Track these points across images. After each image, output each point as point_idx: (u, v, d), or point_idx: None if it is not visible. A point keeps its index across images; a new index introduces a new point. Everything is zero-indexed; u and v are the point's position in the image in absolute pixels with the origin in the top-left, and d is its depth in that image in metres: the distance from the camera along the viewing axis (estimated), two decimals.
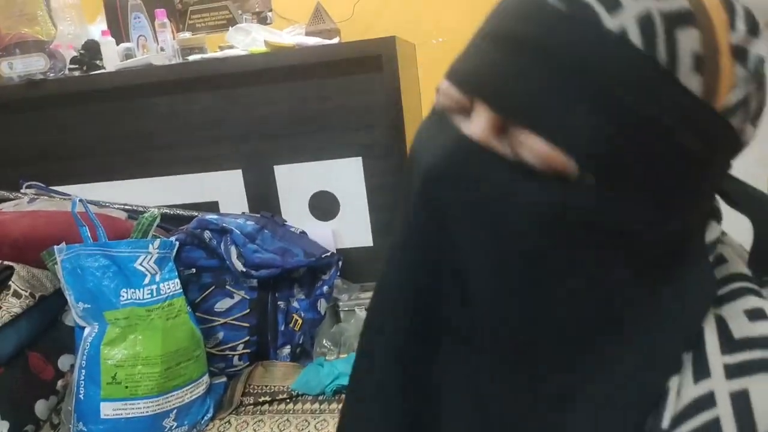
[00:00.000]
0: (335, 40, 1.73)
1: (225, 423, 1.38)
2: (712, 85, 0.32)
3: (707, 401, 0.32)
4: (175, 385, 1.30)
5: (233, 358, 1.51)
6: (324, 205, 1.72)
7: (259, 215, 1.64)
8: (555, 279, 0.34)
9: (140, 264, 1.32)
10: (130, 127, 1.74)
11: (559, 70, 0.31)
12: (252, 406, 1.42)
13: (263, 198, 1.74)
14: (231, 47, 1.71)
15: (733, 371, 0.32)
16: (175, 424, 1.31)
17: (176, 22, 2.01)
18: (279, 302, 1.52)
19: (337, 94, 1.64)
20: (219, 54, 1.69)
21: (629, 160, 0.31)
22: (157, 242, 1.35)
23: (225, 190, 1.75)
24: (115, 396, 1.25)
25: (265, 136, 1.70)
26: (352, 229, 1.72)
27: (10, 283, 1.31)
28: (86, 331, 1.28)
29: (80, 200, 1.35)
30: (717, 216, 0.38)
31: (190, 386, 1.33)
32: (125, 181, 1.78)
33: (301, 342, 1.54)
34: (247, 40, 1.68)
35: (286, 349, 1.53)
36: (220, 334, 1.49)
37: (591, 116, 0.30)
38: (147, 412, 1.26)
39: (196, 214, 1.65)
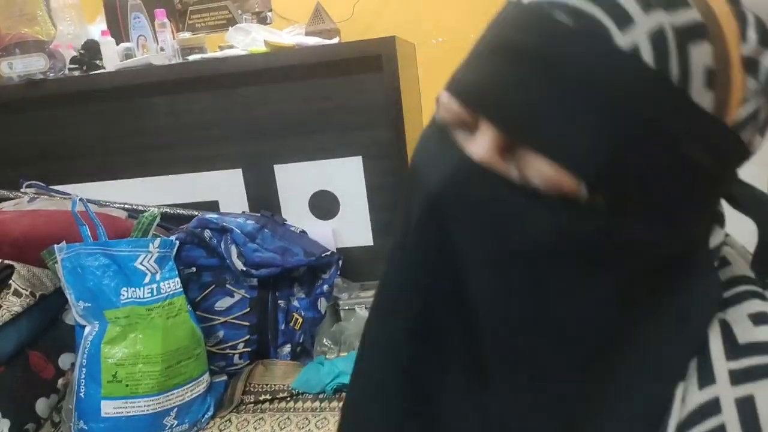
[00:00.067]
0: (335, 40, 1.73)
1: (226, 421, 1.38)
2: (723, 100, 0.31)
3: (712, 408, 0.31)
4: (175, 384, 1.30)
5: (234, 356, 1.51)
6: (324, 205, 1.73)
7: (259, 214, 1.65)
8: (560, 295, 0.33)
9: (140, 263, 1.32)
10: (130, 126, 1.74)
11: (569, 91, 0.30)
12: (252, 405, 1.42)
13: (263, 197, 1.74)
14: (231, 47, 1.72)
15: (738, 377, 0.31)
16: (176, 422, 1.31)
17: (176, 22, 2.01)
18: (279, 301, 1.52)
19: (337, 93, 1.65)
20: (219, 54, 1.69)
21: (640, 182, 0.31)
22: (157, 241, 1.35)
23: (225, 189, 1.75)
24: (116, 394, 1.25)
25: (265, 135, 1.70)
26: (352, 228, 1.72)
27: (11, 282, 1.31)
28: (87, 329, 1.28)
29: (80, 199, 1.35)
30: (720, 220, 0.38)
31: (191, 385, 1.34)
32: (125, 181, 1.78)
33: (301, 341, 1.55)
34: (246, 40, 1.68)
35: (287, 348, 1.53)
36: (221, 333, 1.50)
37: (602, 139, 0.29)
38: (148, 410, 1.26)
39: (197, 213, 1.65)
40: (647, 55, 0.29)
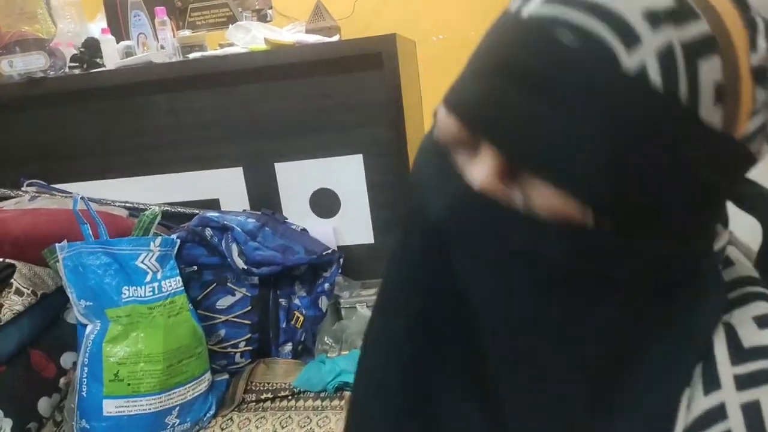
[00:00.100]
0: (335, 38, 1.72)
1: (227, 420, 1.38)
2: (733, 114, 0.30)
3: (718, 413, 0.31)
4: (177, 383, 1.30)
5: (235, 355, 1.51)
6: (325, 203, 1.72)
7: (260, 213, 1.64)
8: (562, 310, 0.33)
9: (142, 262, 1.32)
10: (131, 125, 1.74)
11: (573, 117, 0.28)
12: (254, 403, 1.42)
13: (264, 195, 1.74)
14: (231, 45, 1.71)
15: (743, 382, 0.31)
16: (178, 421, 1.31)
17: (176, 20, 2.01)
18: (280, 299, 1.52)
19: (337, 91, 1.65)
20: (219, 52, 1.69)
21: (650, 206, 0.30)
22: (158, 240, 1.35)
23: (226, 187, 1.75)
24: (118, 393, 1.25)
25: (265, 133, 1.70)
26: (353, 226, 1.72)
27: (12, 280, 1.31)
28: (88, 328, 1.28)
29: (81, 198, 1.35)
30: (725, 221, 0.38)
31: (193, 383, 1.34)
32: (126, 179, 1.78)
33: (302, 339, 1.55)
34: (247, 38, 1.68)
35: (288, 347, 1.53)
36: (222, 332, 1.50)
37: (609, 164, 0.28)
38: (149, 409, 1.26)
39: (197, 211, 1.65)
40: (655, 76, 0.28)
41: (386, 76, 1.59)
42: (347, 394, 1.40)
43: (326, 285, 1.57)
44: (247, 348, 1.51)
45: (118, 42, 1.76)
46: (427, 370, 0.38)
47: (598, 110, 0.28)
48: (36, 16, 1.69)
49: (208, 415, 1.38)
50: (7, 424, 1.21)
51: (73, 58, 1.75)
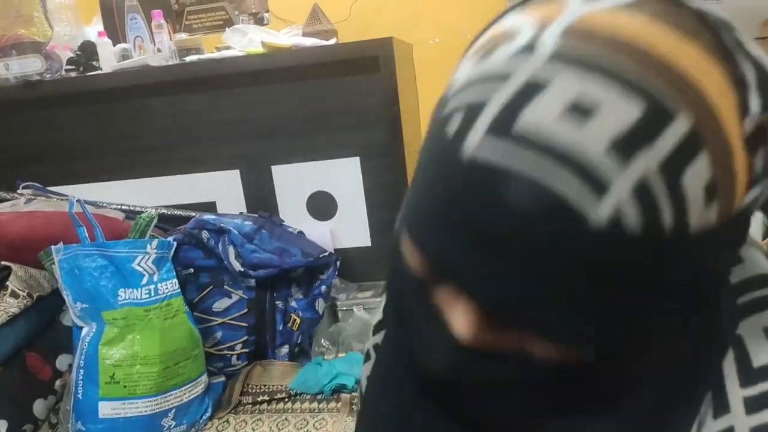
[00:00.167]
0: (332, 41, 1.73)
1: (223, 422, 1.38)
2: (728, 200, 0.27)
3: None
4: (173, 385, 1.30)
5: (231, 357, 1.51)
6: (322, 205, 1.73)
7: (256, 215, 1.65)
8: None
9: (138, 264, 1.32)
10: (127, 127, 1.74)
11: (548, 279, 0.25)
12: (250, 406, 1.42)
13: (261, 198, 1.74)
14: (228, 48, 1.72)
15: (752, 405, 0.30)
16: (174, 423, 1.31)
17: (173, 23, 2.01)
18: (277, 302, 1.52)
19: (334, 94, 1.65)
20: (216, 55, 1.69)
21: (652, 331, 0.28)
22: (154, 242, 1.35)
23: (223, 190, 1.75)
24: (114, 395, 1.25)
25: (262, 136, 1.70)
26: (350, 228, 1.72)
27: (8, 283, 1.30)
28: (84, 330, 1.28)
29: (78, 200, 1.35)
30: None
31: (189, 386, 1.33)
32: (122, 182, 1.78)
33: (299, 341, 1.55)
34: (243, 41, 1.68)
35: (285, 349, 1.53)
36: (219, 334, 1.50)
37: (599, 311, 0.26)
38: (145, 411, 1.26)
39: (194, 214, 1.65)
40: (632, 220, 0.24)
41: (383, 80, 1.60)
42: (344, 396, 1.40)
43: (323, 287, 1.57)
44: (243, 350, 1.51)
45: (114, 45, 1.76)
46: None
47: (567, 270, 0.25)
48: (32, 19, 1.69)
49: (204, 417, 1.37)
50: (3, 426, 1.21)
51: (70, 61, 1.75)
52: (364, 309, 1.60)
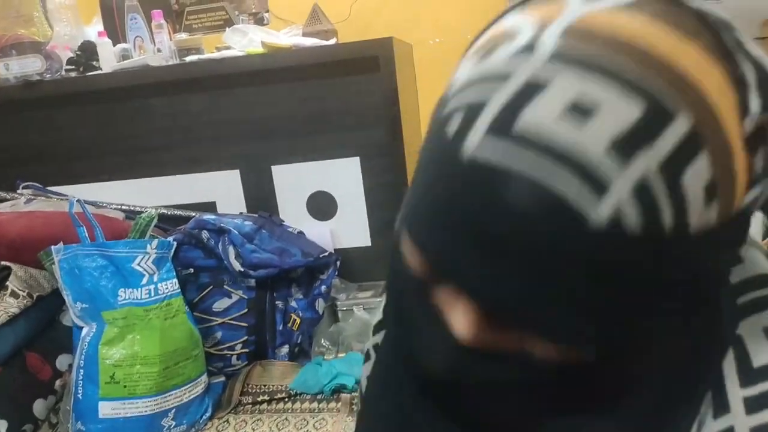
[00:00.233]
0: (332, 41, 1.73)
1: (223, 422, 1.38)
2: (729, 199, 0.27)
3: None
4: (173, 385, 1.30)
5: (231, 357, 1.51)
6: (322, 205, 1.73)
7: (256, 215, 1.65)
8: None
9: (138, 264, 1.32)
10: (127, 127, 1.74)
11: (549, 280, 0.25)
12: (250, 406, 1.42)
13: (261, 198, 1.74)
14: (228, 48, 1.72)
15: (752, 405, 0.30)
16: (174, 423, 1.31)
17: (173, 23, 2.01)
18: (277, 302, 1.52)
19: (334, 94, 1.65)
20: (216, 55, 1.69)
21: (654, 330, 0.28)
22: (154, 242, 1.35)
23: (223, 190, 1.75)
24: (114, 395, 1.25)
25: (262, 136, 1.70)
26: (350, 229, 1.72)
27: (8, 283, 1.31)
28: (84, 330, 1.28)
29: (78, 200, 1.35)
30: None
31: (189, 386, 1.33)
32: (122, 182, 1.78)
33: (299, 341, 1.55)
34: (243, 41, 1.68)
35: (285, 349, 1.53)
36: (219, 334, 1.50)
37: (603, 315, 0.26)
38: (145, 411, 1.26)
39: (194, 214, 1.65)
40: (632, 220, 0.24)
41: (383, 80, 1.60)
42: (344, 396, 1.40)
43: (323, 287, 1.57)
44: (243, 350, 1.51)
45: (114, 45, 1.76)
46: None
47: (567, 270, 0.25)
48: (32, 19, 1.69)
49: (204, 417, 1.37)
50: (3, 425, 1.21)
51: (70, 61, 1.75)
52: (364, 309, 1.60)
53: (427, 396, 0.35)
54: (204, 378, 1.39)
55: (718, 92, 0.26)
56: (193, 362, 1.35)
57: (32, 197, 1.64)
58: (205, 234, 1.47)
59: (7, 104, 1.74)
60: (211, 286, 1.49)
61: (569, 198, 0.24)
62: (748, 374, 0.31)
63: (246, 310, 1.50)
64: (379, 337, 0.48)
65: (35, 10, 1.70)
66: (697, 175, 0.25)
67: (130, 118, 1.74)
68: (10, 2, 1.67)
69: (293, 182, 1.72)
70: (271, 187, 1.74)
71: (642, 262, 0.25)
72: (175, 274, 1.37)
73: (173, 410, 1.30)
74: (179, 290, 1.36)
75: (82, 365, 1.26)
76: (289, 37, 1.73)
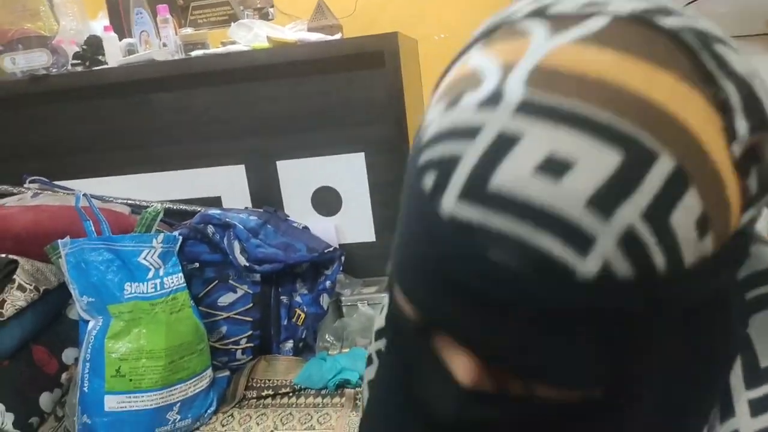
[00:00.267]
0: (337, 36, 1.73)
1: (228, 416, 1.39)
2: (723, 229, 0.26)
3: None
4: (178, 379, 1.31)
5: (236, 352, 1.52)
6: (327, 201, 1.73)
7: (261, 210, 1.65)
8: None
9: (144, 258, 1.33)
10: (133, 122, 1.75)
11: (533, 330, 0.25)
12: (255, 400, 1.43)
13: (266, 193, 1.75)
14: (233, 43, 1.72)
15: (757, 407, 0.29)
16: (179, 417, 1.32)
17: (178, 18, 2.01)
18: (282, 297, 1.53)
19: (339, 89, 1.65)
20: (221, 50, 1.69)
21: (658, 364, 0.28)
22: (160, 237, 1.36)
23: (228, 185, 1.76)
24: (120, 389, 1.26)
25: (267, 131, 1.70)
26: (355, 224, 1.72)
27: (15, 276, 1.31)
28: (90, 324, 1.29)
29: (84, 195, 1.36)
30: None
31: (194, 380, 1.34)
32: (128, 176, 1.78)
33: (303, 336, 1.55)
34: (249, 36, 1.68)
35: (289, 344, 1.54)
36: (224, 329, 1.50)
37: (598, 356, 0.26)
38: (151, 404, 1.27)
39: (199, 209, 1.65)
40: (621, 268, 0.23)
41: (388, 75, 1.60)
42: (348, 391, 1.40)
43: (328, 283, 1.57)
44: (248, 345, 1.52)
45: (120, 40, 1.76)
46: None
47: (560, 320, 0.24)
48: (39, 14, 1.70)
49: (209, 411, 1.38)
50: (9, 418, 1.22)
51: (76, 56, 1.76)
52: (368, 304, 1.61)
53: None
54: (209, 372, 1.39)
55: (700, 122, 0.24)
56: (199, 356, 1.36)
57: (39, 191, 1.64)
58: (210, 229, 1.48)
59: (13, 98, 1.75)
60: (217, 281, 1.50)
61: (554, 255, 0.23)
62: (754, 375, 0.30)
63: (251, 304, 1.50)
64: (381, 344, 0.48)
65: (41, 4, 1.71)
66: (686, 212, 0.24)
67: (136, 112, 1.74)
68: None
69: (298, 177, 1.72)
70: (276, 182, 1.74)
71: (637, 304, 0.24)
72: (180, 268, 1.38)
73: (178, 404, 1.31)
74: (185, 284, 1.37)
75: (88, 359, 1.27)
76: (294, 32, 1.73)
